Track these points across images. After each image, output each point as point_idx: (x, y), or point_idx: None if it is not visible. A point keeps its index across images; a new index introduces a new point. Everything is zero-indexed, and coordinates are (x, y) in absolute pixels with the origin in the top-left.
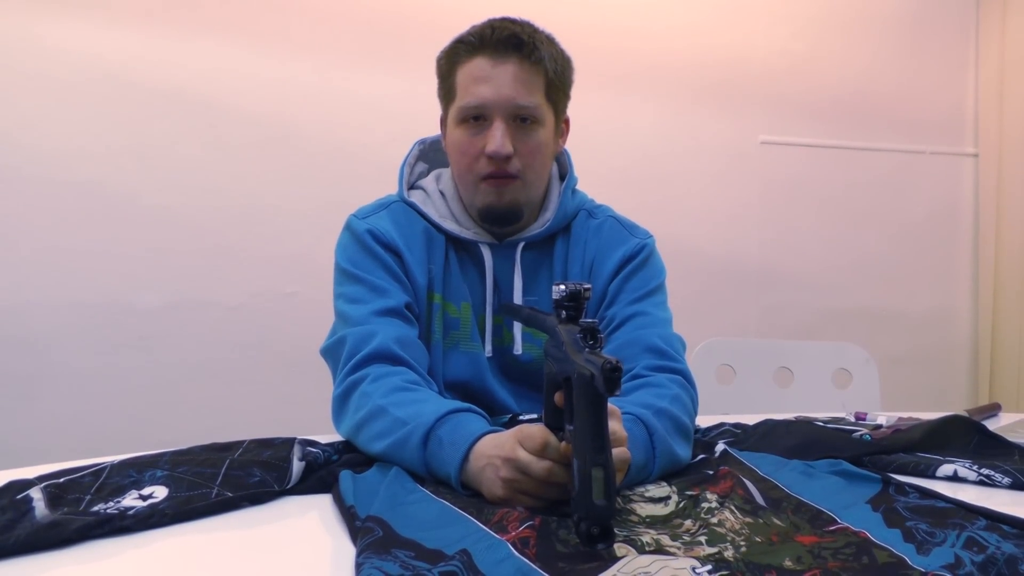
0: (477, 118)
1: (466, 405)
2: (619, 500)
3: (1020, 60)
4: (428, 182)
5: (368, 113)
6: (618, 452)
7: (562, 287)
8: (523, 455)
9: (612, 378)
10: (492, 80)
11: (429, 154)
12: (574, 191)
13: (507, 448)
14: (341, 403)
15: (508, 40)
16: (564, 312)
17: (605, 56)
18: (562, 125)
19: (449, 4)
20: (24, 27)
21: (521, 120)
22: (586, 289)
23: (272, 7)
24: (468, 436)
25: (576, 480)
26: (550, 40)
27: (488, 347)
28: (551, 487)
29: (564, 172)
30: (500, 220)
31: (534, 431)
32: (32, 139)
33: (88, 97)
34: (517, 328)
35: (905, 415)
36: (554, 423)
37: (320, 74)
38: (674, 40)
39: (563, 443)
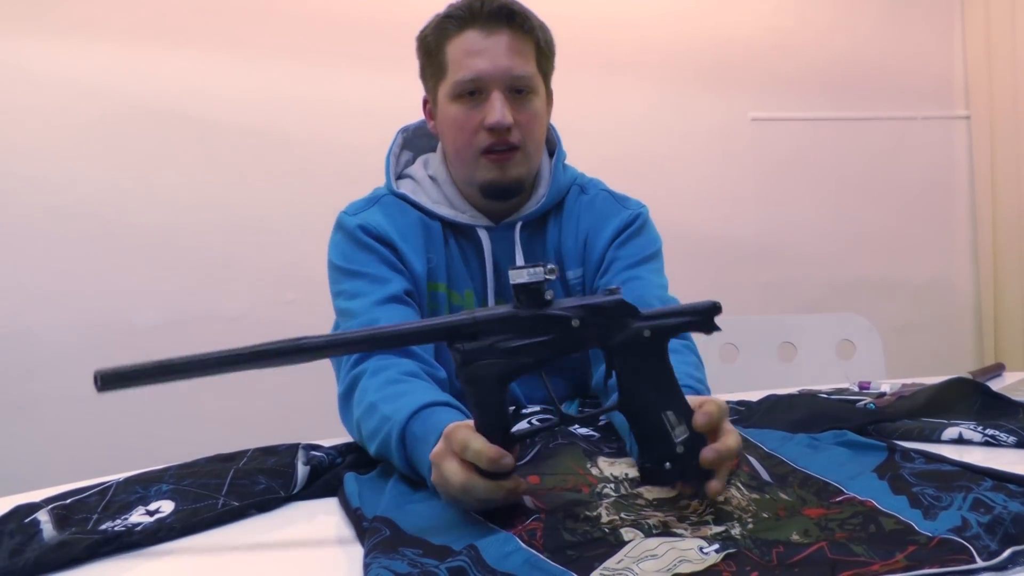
0: (473, 92)
1: (444, 398)
2: (626, 485)
3: (1006, 19)
4: (416, 169)
5: (357, 116)
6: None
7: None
8: (447, 462)
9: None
10: (486, 52)
11: (413, 141)
12: (564, 166)
13: (436, 449)
14: (346, 400)
15: (500, 11)
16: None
17: (590, 44)
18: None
19: (431, 2)
20: (9, 53)
21: (517, 91)
22: (550, 270)
23: (253, 17)
24: (435, 429)
25: (646, 434)
26: (530, 11)
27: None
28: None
29: (552, 147)
30: (503, 194)
31: (458, 433)
32: (24, 162)
33: (78, 117)
34: None
35: (909, 381)
36: (494, 425)
37: (306, 80)
38: (658, 23)
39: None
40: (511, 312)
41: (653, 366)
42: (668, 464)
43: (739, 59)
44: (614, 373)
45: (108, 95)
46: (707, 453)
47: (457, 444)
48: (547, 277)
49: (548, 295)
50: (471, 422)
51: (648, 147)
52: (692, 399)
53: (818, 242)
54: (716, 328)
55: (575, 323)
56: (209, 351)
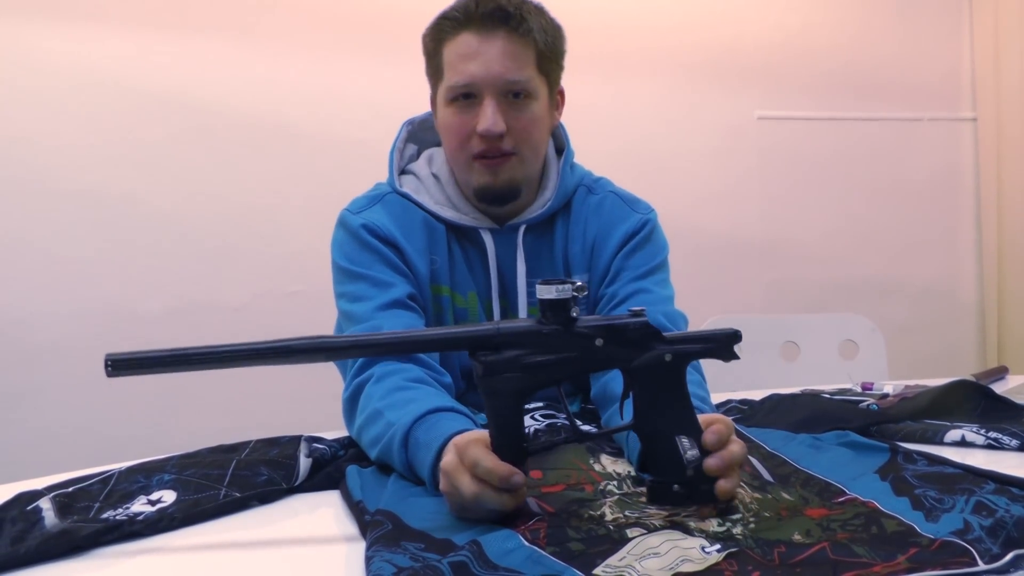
0: (467, 96)
1: (449, 403)
2: (628, 483)
3: (1014, 21)
4: (420, 166)
5: (362, 107)
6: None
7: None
8: (458, 474)
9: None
10: (480, 56)
11: (418, 134)
12: (572, 166)
13: (446, 459)
14: (351, 406)
15: (494, 13)
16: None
17: (598, 39)
18: (556, 97)
19: None
20: (16, 38)
21: (513, 96)
22: (579, 287)
23: (260, 8)
24: (440, 436)
25: (658, 456)
26: (539, 9)
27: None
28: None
29: (561, 146)
30: (497, 200)
31: (471, 449)
32: (28, 150)
33: (82, 106)
34: (523, 314)
35: (912, 383)
36: (509, 437)
37: (312, 72)
38: (666, 21)
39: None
40: (535, 327)
41: (671, 390)
42: (677, 486)
43: (746, 58)
44: (631, 394)
45: (113, 83)
46: (711, 461)
47: (468, 461)
48: (575, 295)
49: (574, 312)
50: (482, 434)
51: (654, 145)
52: (701, 418)
53: (822, 242)
54: (735, 356)
55: (599, 343)
56: (226, 343)
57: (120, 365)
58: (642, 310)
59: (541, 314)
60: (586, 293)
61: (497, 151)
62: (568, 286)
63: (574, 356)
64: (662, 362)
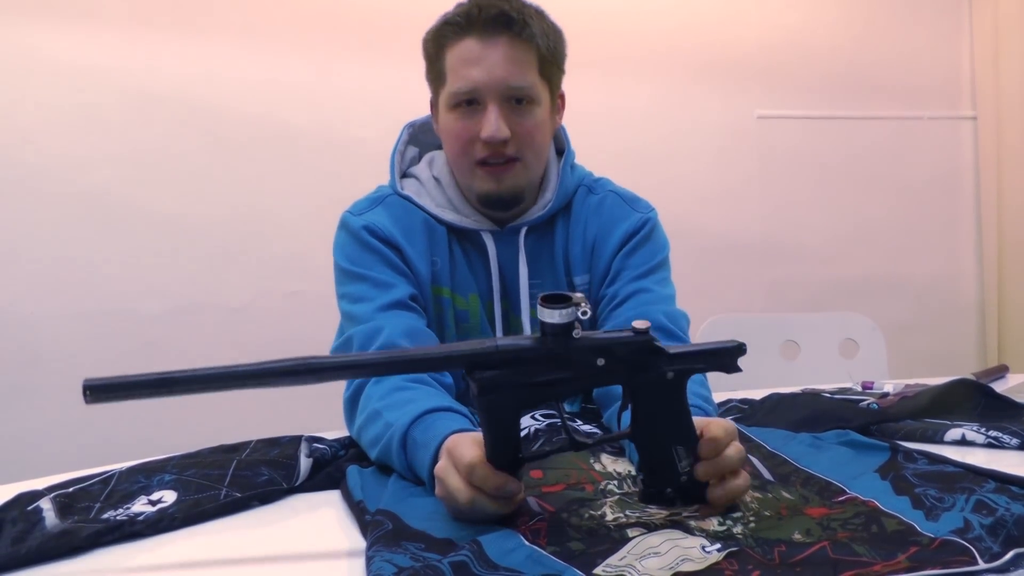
0: (470, 102)
1: (447, 403)
2: (628, 483)
3: (1014, 19)
4: (421, 169)
5: (364, 108)
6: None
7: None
8: (453, 480)
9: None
10: (483, 62)
11: (419, 136)
12: (573, 166)
13: (440, 464)
14: (351, 406)
15: (497, 18)
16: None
17: (598, 39)
18: (558, 101)
19: None
20: (16, 38)
21: (516, 101)
22: (584, 312)
23: (262, 7)
24: (437, 436)
25: (653, 464)
26: (539, 14)
27: (499, 336)
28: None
29: (561, 148)
30: (501, 205)
31: (465, 456)
32: (28, 150)
33: (84, 106)
34: (525, 316)
35: (912, 382)
36: (505, 450)
37: (314, 71)
38: (665, 19)
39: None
40: (535, 347)
41: (671, 404)
42: (669, 490)
43: (746, 57)
44: (630, 405)
45: (114, 83)
46: (702, 467)
47: (463, 468)
48: (580, 317)
49: (576, 333)
50: (476, 435)
51: (654, 144)
52: (699, 422)
53: (822, 241)
54: (738, 369)
55: (600, 362)
56: (209, 366)
57: (98, 391)
58: (646, 328)
59: (542, 335)
60: (588, 316)
61: (500, 157)
62: (572, 308)
63: (574, 375)
64: (663, 380)
